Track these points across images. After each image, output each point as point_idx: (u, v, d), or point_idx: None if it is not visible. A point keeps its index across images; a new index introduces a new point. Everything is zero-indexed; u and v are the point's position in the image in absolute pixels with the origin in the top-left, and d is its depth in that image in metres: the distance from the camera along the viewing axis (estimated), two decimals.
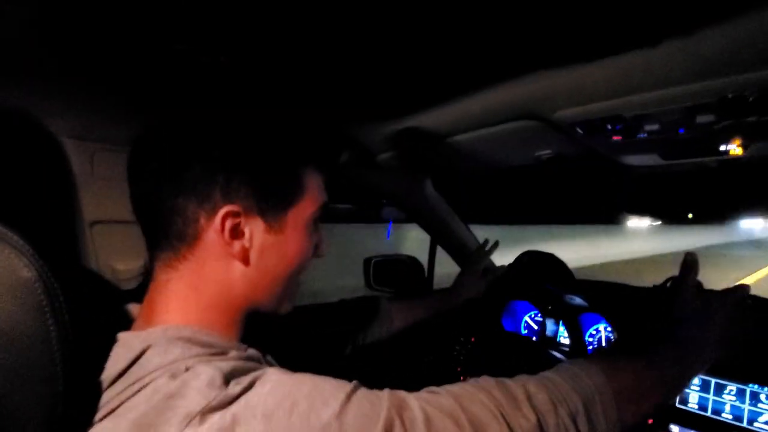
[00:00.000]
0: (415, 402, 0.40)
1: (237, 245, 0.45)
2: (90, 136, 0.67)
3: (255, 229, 0.46)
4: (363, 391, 0.40)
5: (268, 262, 0.48)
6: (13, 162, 0.63)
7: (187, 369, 0.38)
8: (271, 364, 0.49)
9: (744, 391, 0.80)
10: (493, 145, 0.82)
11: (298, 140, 0.50)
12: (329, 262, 0.81)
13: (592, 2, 0.44)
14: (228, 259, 0.46)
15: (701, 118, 0.56)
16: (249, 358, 0.45)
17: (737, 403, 0.80)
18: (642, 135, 0.64)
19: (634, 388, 0.51)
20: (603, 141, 0.70)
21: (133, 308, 0.51)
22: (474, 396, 0.42)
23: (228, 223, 0.44)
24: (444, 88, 0.68)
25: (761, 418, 0.77)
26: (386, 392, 0.41)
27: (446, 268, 1.46)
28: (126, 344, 0.42)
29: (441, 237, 1.35)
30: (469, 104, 0.70)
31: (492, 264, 1.39)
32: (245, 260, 0.46)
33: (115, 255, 0.76)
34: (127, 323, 0.49)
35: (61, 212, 0.71)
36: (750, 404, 0.79)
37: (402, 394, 0.41)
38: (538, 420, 0.42)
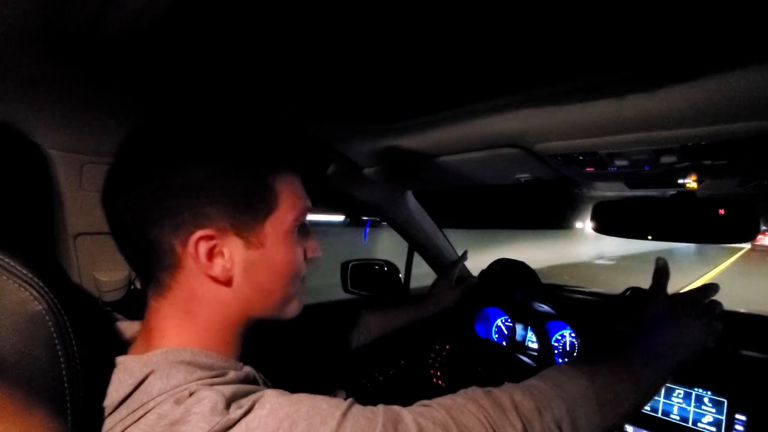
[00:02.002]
0: (408, 416, 0.42)
1: (217, 267, 0.45)
2: (80, 148, 0.66)
3: (233, 248, 0.46)
4: (358, 408, 0.41)
5: (256, 277, 0.47)
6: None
7: (190, 394, 0.39)
8: (265, 381, 0.51)
9: (690, 394, 0.90)
10: (477, 167, 0.87)
11: (259, 146, 0.48)
12: None
13: (577, 58, 0.49)
14: (213, 281, 0.46)
15: (664, 159, 0.64)
16: (246, 377, 0.46)
17: (684, 405, 0.90)
18: (612, 168, 0.71)
19: (614, 391, 0.53)
20: (577, 170, 0.77)
21: (125, 327, 0.51)
22: (463, 407, 0.45)
23: (203, 247, 0.44)
24: (435, 112, 0.72)
25: (704, 419, 0.87)
26: (381, 408, 0.43)
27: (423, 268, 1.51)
28: (127, 369, 0.42)
29: (420, 246, 1.40)
30: (458, 130, 0.74)
31: (467, 272, 1.46)
32: (230, 280, 0.46)
33: (98, 266, 0.75)
34: (121, 344, 0.49)
35: (44, 224, 0.70)
36: (695, 406, 0.89)
37: (396, 408, 0.43)
38: (524, 427, 0.45)
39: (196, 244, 0.44)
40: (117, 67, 0.53)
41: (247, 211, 0.46)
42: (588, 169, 0.74)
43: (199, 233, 0.44)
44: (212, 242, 0.44)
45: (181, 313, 0.46)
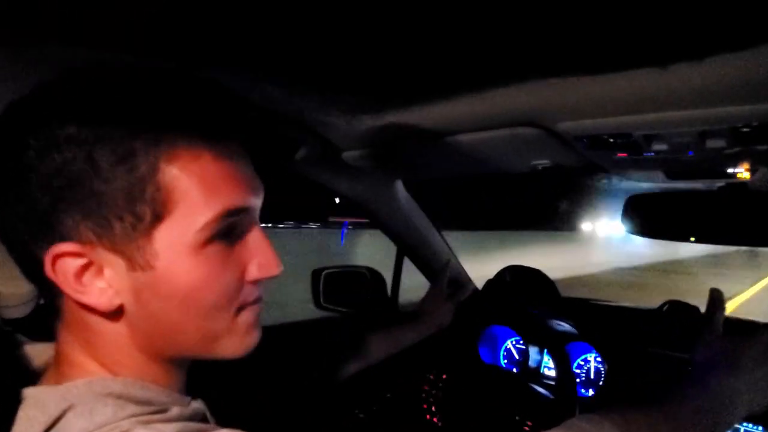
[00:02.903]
0: None
1: (94, 293, 0.42)
2: None
3: (111, 268, 0.42)
4: None
5: (150, 304, 0.43)
6: None
7: None
8: (217, 421, 0.50)
9: (738, 431, 0.93)
10: (484, 150, 0.88)
11: (131, 109, 0.40)
12: None
13: (611, 15, 0.51)
14: (95, 310, 0.43)
15: (711, 143, 0.66)
16: (194, 414, 0.46)
17: None
18: (649, 154, 0.74)
19: None
20: (607, 156, 0.79)
21: (34, 351, 0.50)
22: None
23: (67, 267, 0.40)
24: (434, 82, 0.72)
25: None
26: None
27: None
28: (38, 404, 0.40)
29: (410, 248, 1.42)
30: (462, 104, 0.75)
31: (465, 279, 1.47)
32: (118, 309, 0.43)
33: None
34: (30, 373, 0.48)
35: None
36: None
37: None
38: None
39: (53, 263, 0.40)
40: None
41: (118, 217, 0.40)
42: (620, 155, 0.77)
43: (55, 249, 0.40)
44: (80, 260, 0.41)
45: (83, 342, 0.45)
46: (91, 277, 0.41)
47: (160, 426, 0.39)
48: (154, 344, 0.45)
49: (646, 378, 1.09)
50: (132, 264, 0.41)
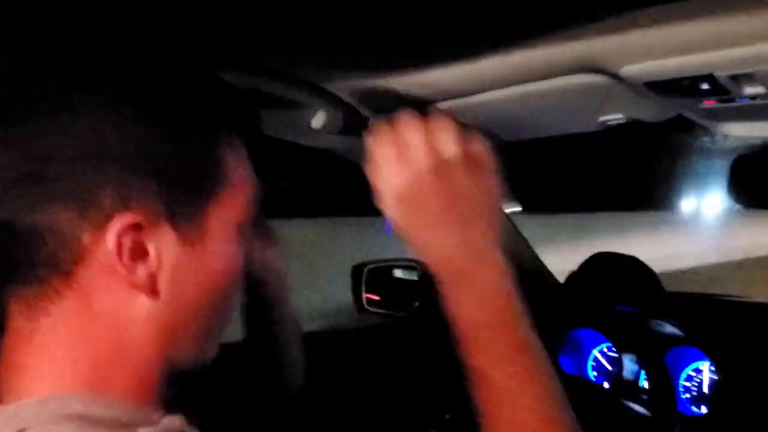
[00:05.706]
0: None
1: (141, 271, 0.45)
2: None
3: (164, 244, 0.47)
4: None
5: (184, 288, 0.49)
6: None
7: None
8: None
9: None
10: (540, 106, 0.89)
11: (207, 92, 0.52)
12: None
13: None
14: (127, 291, 0.46)
15: None
16: None
17: None
18: (742, 99, 0.72)
19: None
20: (691, 104, 0.78)
21: None
22: None
23: (128, 241, 0.44)
24: (476, 26, 0.73)
25: None
26: None
27: None
28: None
29: None
30: (509, 50, 0.76)
31: (542, 269, 1.47)
32: (153, 291, 0.47)
33: None
34: None
35: None
36: None
37: None
38: None
39: (119, 237, 0.44)
40: None
41: (186, 188, 0.47)
42: (707, 103, 0.75)
43: (126, 219, 0.44)
44: (138, 233, 0.45)
45: (70, 339, 0.46)
46: (142, 252, 0.46)
47: None
48: (170, 332, 0.49)
49: None
50: (184, 238, 0.48)
